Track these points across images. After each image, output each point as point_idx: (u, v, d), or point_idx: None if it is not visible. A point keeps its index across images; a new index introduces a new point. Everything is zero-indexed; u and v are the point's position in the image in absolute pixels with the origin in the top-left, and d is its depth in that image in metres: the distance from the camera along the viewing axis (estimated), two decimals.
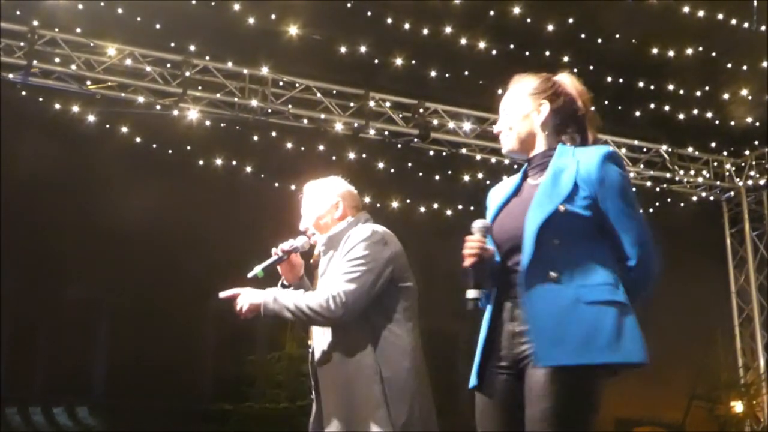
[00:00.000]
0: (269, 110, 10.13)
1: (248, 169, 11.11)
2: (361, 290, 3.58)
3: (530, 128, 3.11)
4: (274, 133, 10.73)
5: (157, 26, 9.37)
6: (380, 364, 3.54)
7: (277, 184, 11.26)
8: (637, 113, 11.08)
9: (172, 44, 9.78)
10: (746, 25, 9.51)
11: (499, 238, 3.02)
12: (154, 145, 10.53)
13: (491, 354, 3.01)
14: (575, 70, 3.27)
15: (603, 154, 2.97)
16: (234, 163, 11.05)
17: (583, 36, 9.66)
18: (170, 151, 10.64)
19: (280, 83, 10.27)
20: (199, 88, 9.92)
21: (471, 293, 2.94)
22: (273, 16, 9.37)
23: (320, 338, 3.73)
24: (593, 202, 2.92)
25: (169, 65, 9.80)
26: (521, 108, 3.13)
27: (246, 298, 3.66)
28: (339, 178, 4.05)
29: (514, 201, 3.09)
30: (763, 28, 9.49)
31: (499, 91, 3.26)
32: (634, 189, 3.06)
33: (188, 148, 10.68)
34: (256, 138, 10.69)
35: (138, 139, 10.35)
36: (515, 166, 11.31)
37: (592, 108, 3.19)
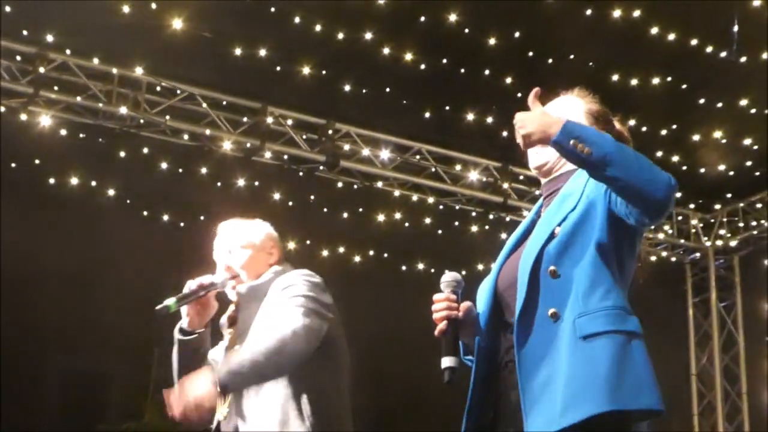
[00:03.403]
0: (142, 120, 10.07)
1: (111, 191, 10.92)
2: (317, 330, 3.62)
3: None
4: (146, 150, 10.61)
5: (7, 9, 9.14)
6: None
7: (146, 213, 11.17)
8: None
9: (24, 32, 9.65)
10: (723, 54, 9.62)
11: (501, 288, 2.98)
12: None
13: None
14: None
15: None
16: (93, 183, 10.85)
17: (530, 54, 9.67)
18: (14, 165, 10.41)
19: (158, 88, 10.21)
20: (56, 88, 9.82)
21: (446, 361, 2.89)
22: (153, 6, 9.27)
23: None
24: (594, 212, 2.87)
25: (18, 58, 9.70)
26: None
27: (189, 391, 3.46)
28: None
29: (524, 245, 3.02)
30: (744, 59, 9.62)
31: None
32: None
33: (37, 161, 10.50)
34: (123, 154, 10.56)
35: None
36: (441, 207, 11.37)
37: None
